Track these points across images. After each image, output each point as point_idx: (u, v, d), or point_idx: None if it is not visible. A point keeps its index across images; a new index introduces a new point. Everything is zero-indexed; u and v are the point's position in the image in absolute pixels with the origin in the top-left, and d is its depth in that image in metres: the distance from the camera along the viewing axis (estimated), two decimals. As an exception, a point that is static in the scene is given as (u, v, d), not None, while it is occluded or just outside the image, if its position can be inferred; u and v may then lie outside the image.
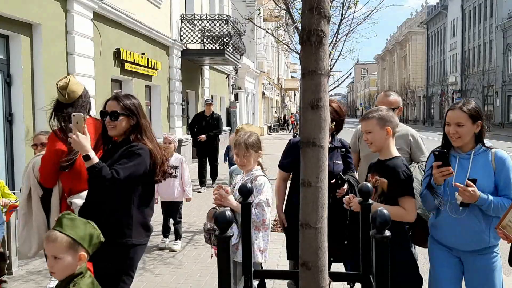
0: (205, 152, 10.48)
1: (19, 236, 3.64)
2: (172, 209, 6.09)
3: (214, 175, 10.67)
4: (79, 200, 3.31)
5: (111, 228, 2.75)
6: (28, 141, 6.85)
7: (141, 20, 11.09)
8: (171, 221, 6.17)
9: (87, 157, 2.64)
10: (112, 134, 2.91)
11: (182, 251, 5.91)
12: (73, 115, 2.73)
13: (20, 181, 6.83)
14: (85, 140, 2.67)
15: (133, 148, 2.81)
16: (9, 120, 7.02)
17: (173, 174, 5.85)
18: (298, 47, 13.12)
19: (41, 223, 3.48)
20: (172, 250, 5.89)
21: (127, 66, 10.54)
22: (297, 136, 4.61)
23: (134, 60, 10.81)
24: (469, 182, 2.56)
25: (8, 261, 4.59)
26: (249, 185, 2.38)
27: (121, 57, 10.18)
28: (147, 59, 11.66)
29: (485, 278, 2.69)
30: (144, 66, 11.51)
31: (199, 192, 9.93)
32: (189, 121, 11.34)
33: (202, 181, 10.40)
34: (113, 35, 9.93)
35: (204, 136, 10.24)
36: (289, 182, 3.77)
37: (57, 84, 3.47)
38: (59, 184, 3.47)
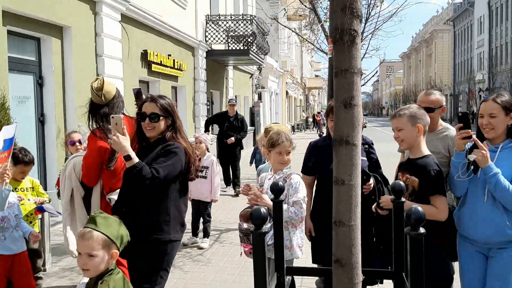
0: (227, 158, 9.99)
1: (65, 236, 3.75)
2: (201, 208, 6.17)
3: (235, 183, 9.98)
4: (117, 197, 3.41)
5: (150, 225, 2.84)
6: (60, 140, 7.04)
7: (167, 21, 11.23)
8: (200, 219, 6.25)
9: (127, 157, 2.71)
10: (151, 135, 2.96)
11: (210, 249, 5.98)
12: (112, 117, 2.79)
13: (52, 180, 7.03)
14: (125, 141, 2.73)
15: (169, 147, 2.87)
16: (41, 120, 7.21)
17: (203, 175, 5.92)
18: (323, 45, 12.99)
19: (85, 222, 3.59)
20: (201, 248, 5.97)
21: (154, 67, 10.69)
22: (323, 135, 4.61)
23: (160, 61, 10.96)
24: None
25: (42, 258, 4.73)
26: (280, 183, 2.41)
27: (148, 59, 10.34)
28: (173, 60, 11.80)
29: (506, 273, 2.66)
30: (171, 67, 11.66)
31: (237, 195, 9.51)
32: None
33: (227, 181, 10.11)
34: (140, 37, 10.09)
35: (233, 138, 9.76)
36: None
37: (91, 86, 3.55)
38: (100, 182, 3.57)
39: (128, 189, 2.93)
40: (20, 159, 4.02)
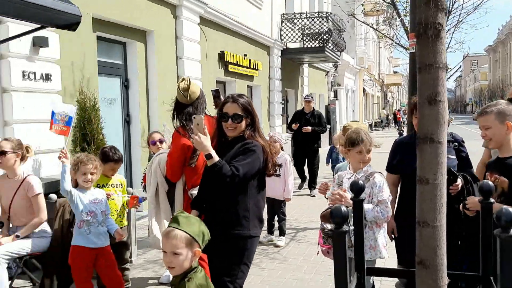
0: (304, 154, 9.60)
1: (151, 229, 3.95)
2: (275, 207, 6.21)
3: (312, 183, 9.59)
4: (199, 192, 3.55)
5: (230, 221, 2.92)
6: (143, 140, 7.41)
7: (243, 22, 11.42)
8: (275, 217, 6.30)
9: (209, 156, 2.80)
10: (232, 135, 3.03)
11: (286, 247, 6.01)
12: (194, 117, 2.89)
13: (137, 177, 7.42)
14: (206, 141, 2.82)
15: (248, 145, 2.94)
16: (127, 120, 7.63)
17: (277, 173, 5.96)
18: (403, 41, 12.52)
19: (169, 216, 3.78)
20: (277, 246, 6.01)
21: (231, 68, 10.91)
22: (403, 134, 4.46)
23: (237, 62, 11.17)
24: None
25: (130, 250, 4.99)
26: (360, 182, 2.37)
27: (225, 59, 10.57)
28: (249, 60, 11.97)
29: None
30: (246, 67, 11.83)
31: (313, 196, 9.18)
32: (288, 119, 10.93)
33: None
34: (218, 38, 10.35)
35: (309, 127, 9.28)
36: None
37: (178, 86, 3.72)
38: (183, 178, 3.74)
39: (207, 186, 3.03)
40: (110, 157, 4.28)
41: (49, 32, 5.43)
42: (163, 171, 3.85)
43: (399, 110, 40.07)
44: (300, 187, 9.90)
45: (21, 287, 4.67)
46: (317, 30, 14.73)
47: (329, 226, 3.19)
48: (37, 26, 4.61)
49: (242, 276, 2.99)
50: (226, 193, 2.93)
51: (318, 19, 14.81)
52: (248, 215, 2.95)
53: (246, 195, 2.96)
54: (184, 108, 3.70)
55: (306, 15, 15.02)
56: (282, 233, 6.19)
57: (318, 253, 3.50)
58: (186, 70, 8.59)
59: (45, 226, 4.22)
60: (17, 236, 4.03)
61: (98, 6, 6.48)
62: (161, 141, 4.97)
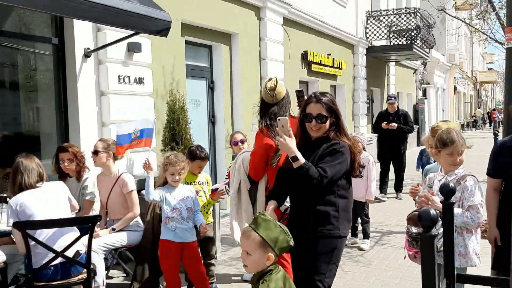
0: (389, 156, 9.11)
1: (231, 225, 4.06)
2: (357, 209, 6.08)
3: (399, 186, 9.18)
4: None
5: (320, 221, 2.90)
6: (226, 141, 7.60)
7: (327, 21, 11.32)
8: (358, 220, 6.17)
9: (294, 158, 2.78)
10: (316, 135, 2.99)
11: (370, 250, 5.87)
12: (279, 119, 2.88)
13: (221, 176, 7.63)
14: (291, 143, 2.81)
15: (335, 147, 2.89)
16: (213, 121, 7.88)
17: (361, 174, 5.82)
18: (498, 35, 11.63)
19: (250, 214, 3.85)
20: (361, 249, 5.89)
21: (314, 67, 10.87)
22: (499, 135, 4.16)
23: (320, 61, 11.10)
24: None
25: (215, 246, 5.15)
26: (451, 184, 2.25)
27: (308, 59, 10.55)
28: (333, 59, 11.84)
29: None
30: (330, 66, 11.72)
31: (379, 200, 8.62)
32: (373, 119, 10.42)
33: (382, 188, 9.05)
34: (301, 38, 10.35)
35: (395, 124, 8.80)
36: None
37: (265, 86, 3.77)
38: (265, 178, 3.79)
39: (294, 188, 3.01)
40: (198, 155, 4.45)
41: (142, 38, 5.75)
42: (246, 170, 3.92)
43: (494, 110, 37.37)
44: (383, 190, 9.26)
45: (116, 277, 5.00)
46: (404, 27, 14.22)
47: (414, 230, 3.06)
48: (132, 32, 4.92)
49: (330, 275, 2.97)
50: (314, 194, 2.90)
51: (405, 16, 14.29)
52: (338, 215, 2.93)
53: (335, 196, 2.94)
54: (269, 108, 3.73)
55: (393, 11, 14.56)
56: (366, 236, 6.05)
57: (404, 258, 3.38)
58: (269, 71, 8.69)
59: (139, 221, 4.48)
60: (113, 229, 4.32)
61: (186, 12, 6.75)
62: (242, 141, 5.06)
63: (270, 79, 3.81)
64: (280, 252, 2.27)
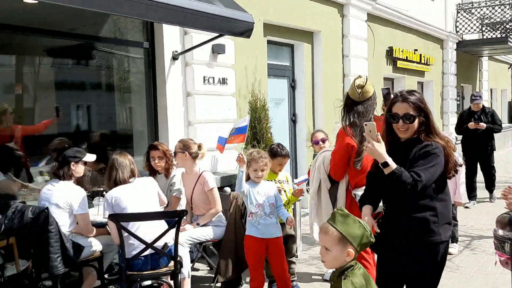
0: (477, 156, 8.50)
1: (310, 223, 4.08)
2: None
3: (490, 185, 8.59)
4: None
5: (420, 227, 2.74)
6: (307, 140, 7.60)
7: (413, 15, 10.90)
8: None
9: (385, 164, 2.63)
10: (405, 136, 2.81)
11: (459, 255, 5.58)
12: (365, 124, 2.75)
13: (303, 174, 7.64)
14: (380, 148, 2.66)
15: (428, 148, 2.71)
16: (293, 120, 7.92)
17: (455, 174, 5.56)
18: None
19: (329, 213, 3.82)
20: (449, 253, 5.61)
21: (399, 64, 10.53)
22: None
23: (406, 57, 10.73)
24: None
25: (296, 244, 5.18)
26: (548, 188, 2.11)
27: (393, 55, 10.24)
28: (420, 55, 11.39)
29: None
30: (417, 62, 11.29)
31: (466, 207, 8.03)
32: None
33: (471, 196, 8.36)
34: (386, 34, 10.07)
35: (483, 124, 8.26)
36: None
37: (353, 82, 3.68)
38: (346, 178, 3.75)
39: (387, 193, 2.88)
40: (278, 153, 4.50)
41: (225, 40, 5.92)
42: (327, 169, 3.89)
43: None
44: (472, 197, 8.52)
45: (201, 270, 5.21)
46: (498, 19, 13.32)
47: (501, 232, 2.88)
48: (216, 34, 5.09)
49: (438, 278, 2.87)
50: (408, 200, 2.74)
51: (499, 7, 13.38)
52: (437, 220, 2.74)
53: (432, 199, 2.76)
54: (354, 106, 3.65)
55: (486, 3, 13.67)
56: (454, 239, 5.76)
57: (495, 263, 3.20)
58: (352, 68, 8.56)
59: (222, 216, 4.63)
60: (198, 224, 4.50)
61: (268, 12, 6.84)
62: (323, 140, 5.02)
63: (360, 76, 3.72)
64: (360, 248, 2.24)
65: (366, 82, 3.62)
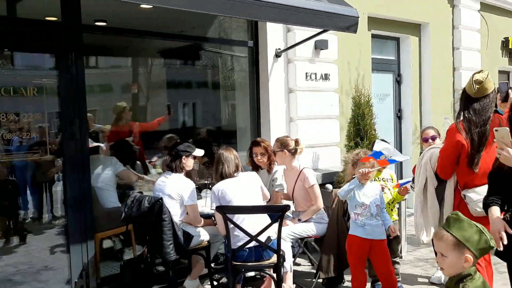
0: None
1: (415, 223, 3.93)
2: None
3: None
4: (474, 194, 3.29)
5: None
6: (415, 136, 7.29)
7: (534, 2, 9.95)
8: None
9: None
10: None
11: None
12: (496, 130, 2.60)
13: (408, 172, 7.36)
14: None
15: None
16: (399, 116, 7.64)
17: None
18: None
19: (435, 213, 3.65)
20: None
21: (517, 55, 9.69)
22: None
23: (525, 48, 9.83)
24: None
25: (400, 245, 5.02)
26: None
27: (510, 46, 9.46)
28: (542, 45, 10.37)
29: None
30: (537, 53, 10.29)
31: None
32: None
33: None
34: (501, 24, 9.32)
35: None
36: None
37: (472, 76, 3.43)
38: (454, 177, 3.54)
39: (497, 192, 2.71)
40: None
41: (329, 35, 5.88)
42: (434, 166, 3.69)
43: None
44: None
45: (302, 265, 5.24)
46: None
47: None
48: (320, 30, 5.07)
49: None
50: None
51: None
52: None
53: None
54: (471, 103, 3.39)
55: None
56: None
57: None
58: (463, 61, 8.04)
59: (323, 213, 4.63)
60: (299, 220, 4.54)
61: (372, 5, 6.66)
62: (433, 138, 4.77)
63: (481, 71, 3.43)
64: (480, 254, 2.14)
65: (486, 78, 3.33)
